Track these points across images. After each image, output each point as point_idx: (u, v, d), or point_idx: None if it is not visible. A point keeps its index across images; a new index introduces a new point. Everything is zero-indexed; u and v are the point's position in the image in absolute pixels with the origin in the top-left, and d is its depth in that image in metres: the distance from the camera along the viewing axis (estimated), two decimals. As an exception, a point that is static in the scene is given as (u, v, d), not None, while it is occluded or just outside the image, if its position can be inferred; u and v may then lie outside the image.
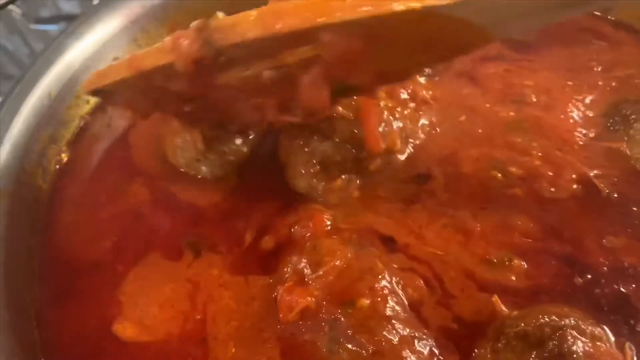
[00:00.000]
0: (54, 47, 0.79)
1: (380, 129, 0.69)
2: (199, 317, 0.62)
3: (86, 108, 0.82)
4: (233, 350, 0.59)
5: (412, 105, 0.76)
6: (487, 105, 0.82)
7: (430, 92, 0.80)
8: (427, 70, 0.82)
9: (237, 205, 0.71)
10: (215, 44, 0.54)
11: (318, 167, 0.70)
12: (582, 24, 0.97)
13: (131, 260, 0.67)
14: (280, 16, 0.52)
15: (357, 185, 0.71)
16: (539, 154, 0.74)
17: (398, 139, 0.71)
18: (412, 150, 0.75)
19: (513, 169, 0.73)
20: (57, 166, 0.76)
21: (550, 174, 0.72)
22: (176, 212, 0.71)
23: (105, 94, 0.62)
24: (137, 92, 0.61)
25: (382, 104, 0.70)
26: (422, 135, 0.77)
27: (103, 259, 0.67)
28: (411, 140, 0.75)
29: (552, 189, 0.71)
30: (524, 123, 0.78)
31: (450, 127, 0.79)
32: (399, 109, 0.73)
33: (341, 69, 0.56)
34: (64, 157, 0.77)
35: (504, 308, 0.59)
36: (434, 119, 0.79)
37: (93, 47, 0.83)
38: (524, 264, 0.64)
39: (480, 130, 0.78)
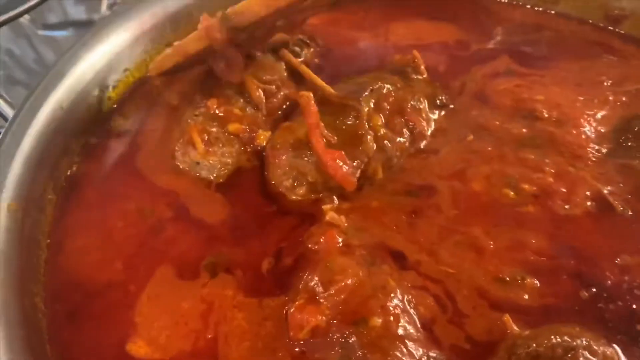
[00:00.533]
0: (65, 59, 0.79)
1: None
2: (210, 336, 0.62)
3: (97, 120, 0.82)
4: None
5: (407, 135, 0.77)
6: (497, 122, 0.81)
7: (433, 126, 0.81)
8: (442, 97, 0.83)
9: (250, 222, 0.71)
10: (236, 25, 0.73)
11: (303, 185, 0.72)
12: (591, 37, 0.97)
13: (144, 279, 0.66)
14: None
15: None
16: (552, 170, 0.74)
17: (380, 168, 0.74)
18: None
19: (526, 186, 0.72)
20: (69, 178, 0.77)
21: (564, 190, 0.72)
22: (190, 231, 0.70)
23: (167, 73, 0.83)
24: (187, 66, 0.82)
25: (369, 137, 0.73)
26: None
27: (116, 279, 0.67)
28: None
29: (566, 206, 0.70)
30: (536, 139, 0.78)
31: (455, 146, 0.78)
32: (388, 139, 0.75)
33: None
34: (76, 169, 0.77)
35: (515, 327, 0.59)
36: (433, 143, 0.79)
37: (104, 59, 0.83)
38: (537, 282, 0.63)
39: (490, 148, 0.78)
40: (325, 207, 0.70)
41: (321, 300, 0.59)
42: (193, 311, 0.64)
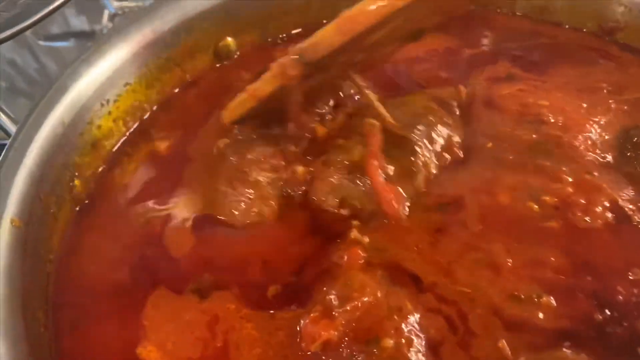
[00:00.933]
0: (67, 75, 0.80)
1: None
2: (219, 344, 0.63)
3: (98, 135, 0.83)
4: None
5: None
6: (508, 129, 0.81)
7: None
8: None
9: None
10: (311, 60, 0.68)
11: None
12: (587, 43, 0.98)
13: (148, 287, 0.68)
14: (353, 20, 0.65)
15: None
16: (570, 179, 0.73)
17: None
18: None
19: (547, 198, 0.71)
20: (70, 193, 0.78)
21: (583, 202, 0.71)
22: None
23: (241, 120, 0.79)
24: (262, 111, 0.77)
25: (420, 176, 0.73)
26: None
27: (124, 283, 0.69)
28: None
29: (587, 218, 0.70)
30: (546, 144, 0.78)
31: (478, 156, 0.78)
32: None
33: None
34: (77, 185, 0.78)
35: (509, 353, 0.58)
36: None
37: (105, 74, 0.84)
38: (553, 301, 0.63)
39: (510, 157, 0.77)
40: (354, 221, 0.71)
41: (336, 315, 0.59)
42: (197, 322, 0.65)
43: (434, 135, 0.77)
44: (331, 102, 0.82)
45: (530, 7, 1.02)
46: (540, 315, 0.62)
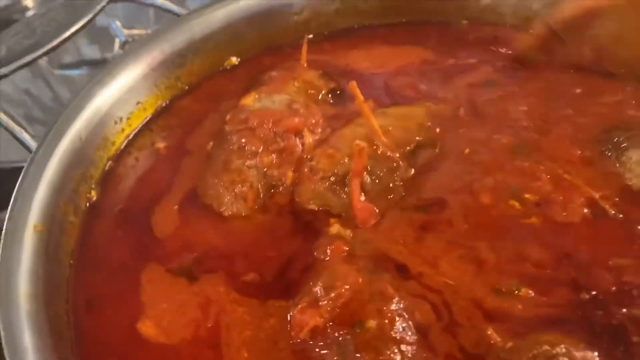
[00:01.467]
0: (82, 95, 0.87)
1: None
2: (210, 325, 0.67)
3: (112, 150, 0.90)
4: (246, 355, 0.64)
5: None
6: (486, 133, 0.84)
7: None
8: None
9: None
10: None
11: None
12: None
13: (141, 266, 0.74)
14: None
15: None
16: (548, 176, 0.76)
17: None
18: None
19: (528, 196, 0.75)
20: (87, 203, 0.83)
21: (562, 198, 0.74)
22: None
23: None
24: None
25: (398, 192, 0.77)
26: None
27: (125, 262, 0.75)
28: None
29: (564, 214, 0.72)
30: (525, 147, 0.81)
31: (456, 160, 0.82)
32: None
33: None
34: (94, 195, 0.84)
35: (498, 339, 0.62)
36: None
37: (118, 94, 0.90)
38: (532, 293, 0.65)
39: (488, 159, 0.80)
40: (333, 219, 0.75)
41: (321, 304, 0.63)
42: (189, 302, 0.70)
43: (419, 155, 0.82)
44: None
45: (518, 19, 1.07)
46: (520, 306, 0.65)
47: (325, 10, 1.09)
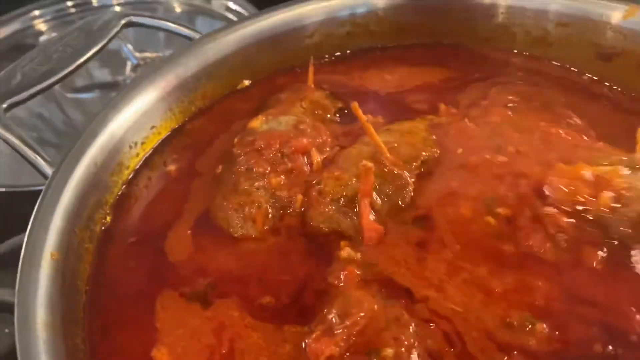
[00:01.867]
0: (97, 121, 0.87)
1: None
2: (225, 351, 0.67)
3: (126, 174, 0.90)
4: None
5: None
6: (475, 141, 0.85)
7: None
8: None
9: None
10: None
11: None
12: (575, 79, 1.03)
13: (156, 292, 0.74)
14: None
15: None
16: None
17: None
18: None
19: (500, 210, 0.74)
20: (102, 228, 0.83)
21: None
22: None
23: None
24: None
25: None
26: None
27: (140, 288, 0.75)
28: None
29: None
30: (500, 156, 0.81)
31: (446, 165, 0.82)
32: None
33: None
34: (109, 220, 0.84)
35: None
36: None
37: (132, 119, 0.90)
38: (546, 328, 0.64)
39: (470, 163, 0.81)
40: (343, 242, 0.75)
41: (336, 332, 0.63)
42: (203, 328, 0.69)
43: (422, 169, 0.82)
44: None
45: (529, 43, 1.08)
46: (533, 341, 0.63)
47: (336, 32, 1.10)
